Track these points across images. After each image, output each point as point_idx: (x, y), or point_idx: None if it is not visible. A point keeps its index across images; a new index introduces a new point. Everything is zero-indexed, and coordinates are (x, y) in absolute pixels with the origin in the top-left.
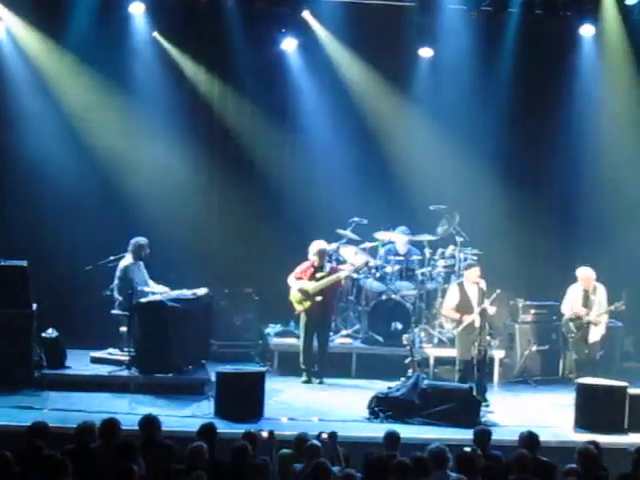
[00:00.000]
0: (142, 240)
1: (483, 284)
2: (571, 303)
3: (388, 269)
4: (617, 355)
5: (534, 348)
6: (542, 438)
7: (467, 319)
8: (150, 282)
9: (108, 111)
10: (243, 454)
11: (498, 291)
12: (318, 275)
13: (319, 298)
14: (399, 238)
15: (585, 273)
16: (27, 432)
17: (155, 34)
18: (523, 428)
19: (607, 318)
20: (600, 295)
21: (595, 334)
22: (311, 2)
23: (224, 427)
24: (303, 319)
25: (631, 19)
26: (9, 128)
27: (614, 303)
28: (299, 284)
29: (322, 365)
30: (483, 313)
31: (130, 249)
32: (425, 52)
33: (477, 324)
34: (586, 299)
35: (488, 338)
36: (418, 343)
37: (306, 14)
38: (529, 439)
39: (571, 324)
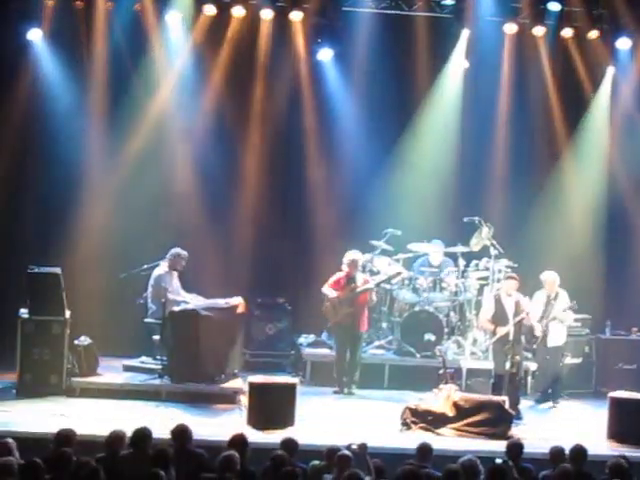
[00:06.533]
0: (182, 253)
1: (520, 297)
2: (534, 308)
3: (421, 280)
4: None
5: (567, 361)
6: None
7: (500, 331)
8: (182, 292)
9: (141, 119)
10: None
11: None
12: (351, 286)
13: (349, 310)
14: (433, 249)
15: (550, 277)
16: (54, 439)
17: (187, 43)
18: (555, 441)
19: (569, 319)
20: (561, 299)
21: (555, 338)
22: (347, 12)
23: (256, 437)
24: (334, 330)
25: None
26: (43, 134)
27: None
28: (330, 294)
29: (353, 376)
30: (518, 326)
31: (168, 257)
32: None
33: (511, 337)
34: (548, 304)
35: (524, 353)
36: (451, 355)
37: (343, 25)
38: (558, 453)
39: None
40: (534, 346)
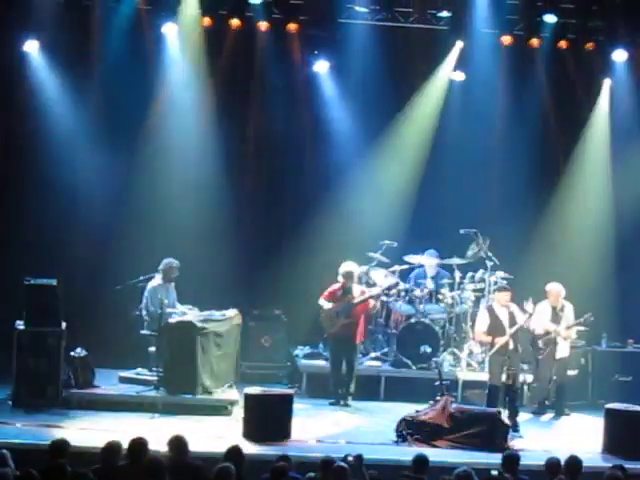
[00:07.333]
0: (173, 262)
1: (514, 308)
2: (540, 319)
3: (417, 292)
4: None
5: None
6: None
7: (499, 341)
8: (178, 304)
9: (138, 131)
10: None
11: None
12: (347, 297)
13: (347, 321)
14: (428, 261)
15: (555, 289)
16: (48, 450)
17: (184, 54)
18: (551, 453)
19: (575, 333)
20: (568, 312)
21: (563, 350)
22: (344, 24)
23: (252, 449)
24: (330, 342)
25: None
26: (40, 147)
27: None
28: (325, 306)
29: (349, 388)
30: (515, 336)
31: (161, 269)
32: (457, 76)
33: (510, 346)
34: (555, 315)
35: (521, 365)
36: (447, 366)
37: (339, 36)
38: (554, 465)
39: (539, 341)
40: (539, 357)
